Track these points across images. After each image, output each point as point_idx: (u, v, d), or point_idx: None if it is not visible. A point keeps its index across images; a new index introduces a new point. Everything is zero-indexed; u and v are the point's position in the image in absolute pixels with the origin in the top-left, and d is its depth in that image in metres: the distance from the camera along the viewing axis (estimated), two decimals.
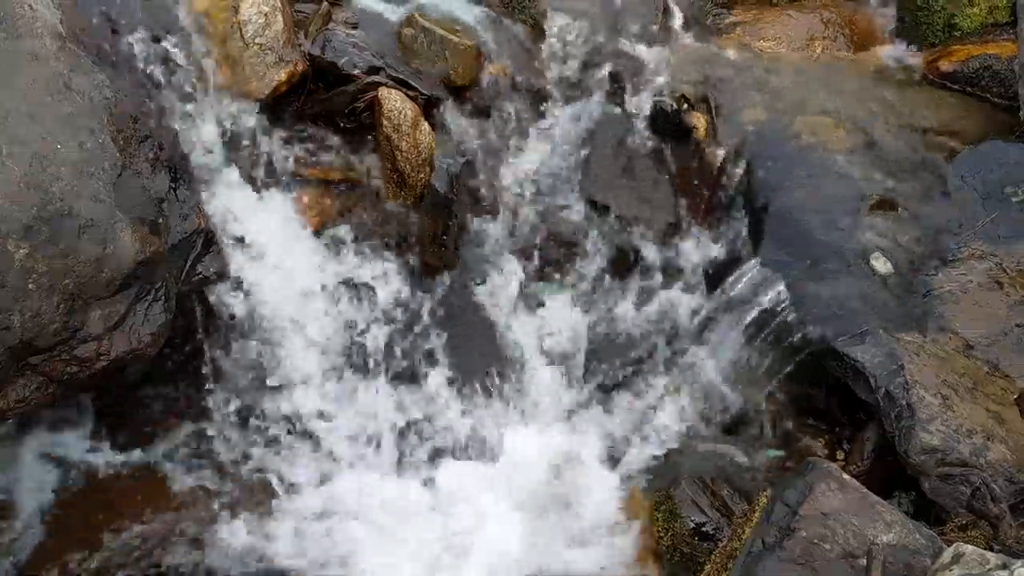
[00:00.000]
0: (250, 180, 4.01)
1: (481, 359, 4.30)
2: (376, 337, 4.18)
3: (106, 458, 3.85)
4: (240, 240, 3.92)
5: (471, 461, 4.14)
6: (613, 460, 4.18)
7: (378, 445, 4.08)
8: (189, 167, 3.77)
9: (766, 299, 4.01)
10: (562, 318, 4.45)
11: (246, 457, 3.95)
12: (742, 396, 4.21)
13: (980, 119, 4.75)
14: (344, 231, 4.17)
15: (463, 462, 4.12)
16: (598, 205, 4.47)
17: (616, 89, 4.65)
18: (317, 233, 4.11)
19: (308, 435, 4.02)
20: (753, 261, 4.15)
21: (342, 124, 4.21)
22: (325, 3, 4.18)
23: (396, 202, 4.22)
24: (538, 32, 4.68)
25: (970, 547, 2.66)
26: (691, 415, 4.24)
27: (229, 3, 3.82)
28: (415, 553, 3.80)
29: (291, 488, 3.93)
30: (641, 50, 4.78)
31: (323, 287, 4.09)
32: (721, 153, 4.46)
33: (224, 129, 3.92)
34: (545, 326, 4.43)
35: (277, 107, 4.03)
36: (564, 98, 4.64)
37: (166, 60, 3.74)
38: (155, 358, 3.48)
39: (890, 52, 5.19)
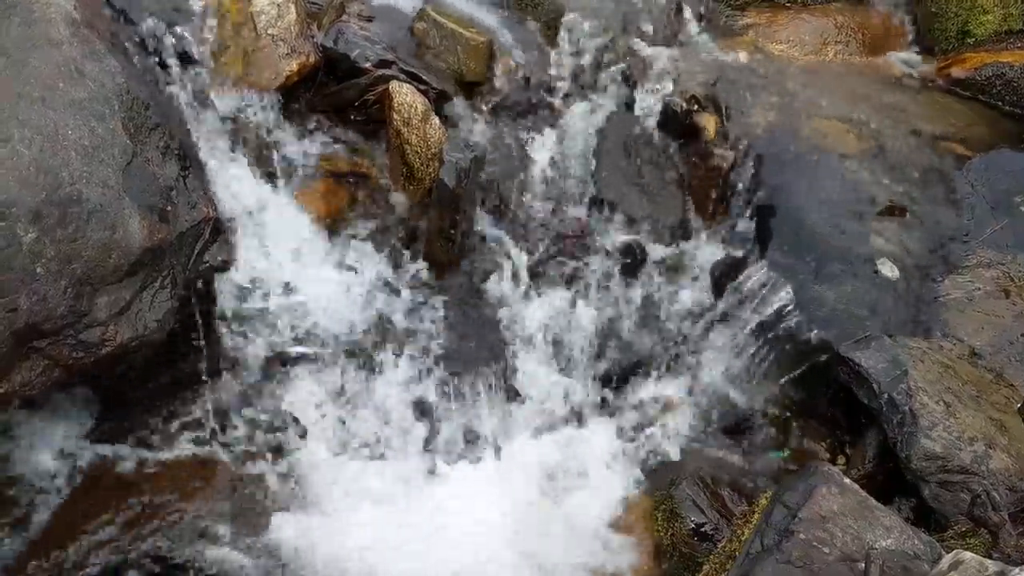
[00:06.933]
0: (259, 170, 4.02)
1: (485, 355, 4.30)
2: (380, 329, 4.18)
3: (115, 446, 3.85)
4: (248, 229, 3.93)
5: (470, 460, 4.14)
6: (615, 459, 4.18)
7: (378, 438, 4.08)
8: (198, 156, 3.77)
9: (772, 302, 4.01)
10: (567, 316, 4.45)
11: (251, 444, 3.96)
12: (745, 397, 4.21)
13: (990, 127, 4.75)
14: (352, 223, 4.18)
15: (462, 461, 4.13)
16: (606, 203, 4.47)
17: (627, 88, 4.65)
18: (325, 224, 4.12)
19: (309, 426, 4.03)
20: (760, 263, 4.15)
21: (352, 117, 4.22)
22: None
23: (404, 195, 4.23)
24: (551, 30, 4.68)
25: (969, 554, 2.67)
26: (694, 416, 4.24)
27: None
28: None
29: (295, 478, 3.94)
30: (653, 50, 4.78)
31: (329, 278, 4.10)
32: (730, 154, 4.45)
33: (234, 119, 3.93)
34: (550, 324, 4.43)
35: (288, 98, 4.04)
36: (575, 96, 4.64)
37: (178, 49, 3.76)
38: (162, 344, 3.49)
39: (902, 57, 5.19)
